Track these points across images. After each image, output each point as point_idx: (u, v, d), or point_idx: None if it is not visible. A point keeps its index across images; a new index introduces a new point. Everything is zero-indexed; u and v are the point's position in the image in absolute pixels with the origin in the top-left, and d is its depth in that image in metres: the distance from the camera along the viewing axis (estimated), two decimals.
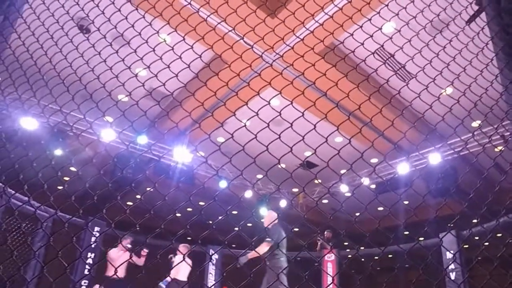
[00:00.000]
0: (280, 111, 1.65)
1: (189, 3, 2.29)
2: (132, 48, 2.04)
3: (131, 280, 6.10)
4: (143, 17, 1.93)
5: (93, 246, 7.19)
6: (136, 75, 1.96)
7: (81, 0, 2.25)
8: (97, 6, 1.97)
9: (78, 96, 2.02)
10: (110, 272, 5.93)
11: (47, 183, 1.95)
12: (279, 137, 1.51)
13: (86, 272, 6.62)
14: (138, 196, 1.89)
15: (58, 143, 5.30)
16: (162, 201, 1.71)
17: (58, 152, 5.28)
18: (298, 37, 2.17)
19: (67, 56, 2.11)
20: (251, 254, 4.98)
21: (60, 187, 2.40)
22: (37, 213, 2.16)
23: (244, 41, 1.99)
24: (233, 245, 12.86)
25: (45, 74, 2.10)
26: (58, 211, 1.81)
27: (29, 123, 4.50)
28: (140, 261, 6.32)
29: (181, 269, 6.21)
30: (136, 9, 1.94)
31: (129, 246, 6.07)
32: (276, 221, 5.50)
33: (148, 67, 1.96)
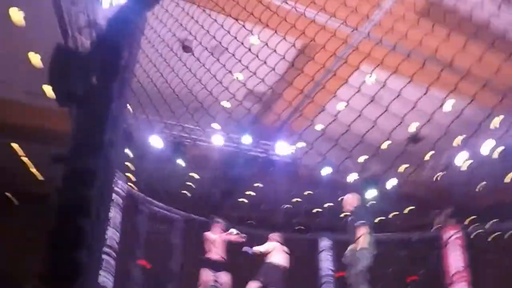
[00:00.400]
0: (381, 87, 1.62)
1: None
2: (230, 52, 2.22)
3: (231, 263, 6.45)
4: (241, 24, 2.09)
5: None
6: (236, 79, 2.14)
7: (178, 24, 2.53)
8: (190, 33, 2.19)
9: (191, 109, 2.29)
10: (213, 255, 6.19)
11: (176, 189, 2.25)
12: (386, 110, 1.50)
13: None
14: (250, 193, 2.07)
15: (179, 154, 6.02)
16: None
17: (180, 162, 6.01)
18: None
19: (173, 76, 2.39)
20: (354, 247, 4.64)
21: (185, 191, 2.74)
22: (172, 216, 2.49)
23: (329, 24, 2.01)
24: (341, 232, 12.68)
25: (161, 94, 2.42)
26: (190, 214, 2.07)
27: (156, 141, 5.28)
28: (240, 239, 6.42)
29: (275, 255, 6.25)
30: (221, 26, 2.11)
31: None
32: (359, 202, 5.14)
33: (246, 67, 2.11)
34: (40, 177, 9.41)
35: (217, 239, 6.25)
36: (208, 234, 6.24)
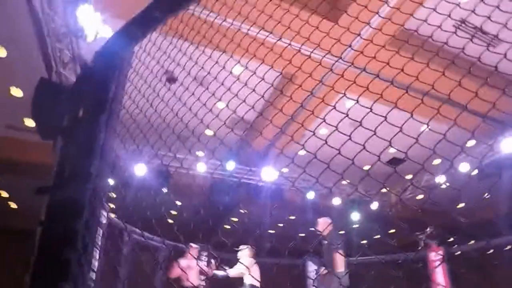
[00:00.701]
0: (362, 118, 1.70)
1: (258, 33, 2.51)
2: (210, 92, 2.30)
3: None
4: (217, 62, 2.19)
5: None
6: (217, 116, 2.21)
7: (165, 57, 2.61)
8: (178, 64, 2.28)
9: (172, 139, 2.34)
10: (186, 282, 5.82)
11: (162, 218, 2.25)
12: (364, 147, 1.58)
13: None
14: (234, 219, 2.10)
15: (163, 182, 6.01)
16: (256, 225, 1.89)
17: (164, 190, 6.01)
18: (361, 36, 2.23)
19: (159, 107, 2.45)
20: (328, 272, 4.66)
21: (170, 221, 2.75)
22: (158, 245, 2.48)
23: (310, 58, 2.12)
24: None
25: (145, 126, 2.47)
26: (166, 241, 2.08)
27: (140, 169, 5.27)
28: (209, 271, 6.23)
29: (253, 273, 5.61)
30: (209, 57, 2.21)
31: (203, 257, 6.22)
32: (331, 227, 5.16)
33: (227, 105, 2.20)
34: (16, 210, 9.15)
35: (190, 265, 5.98)
36: (181, 261, 5.98)
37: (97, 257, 4.51)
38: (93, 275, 4.40)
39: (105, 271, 4.55)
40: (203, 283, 6.05)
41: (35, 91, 2.23)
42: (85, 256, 1.67)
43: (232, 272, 5.73)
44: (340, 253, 4.66)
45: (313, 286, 7.87)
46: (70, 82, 2.43)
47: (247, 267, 5.50)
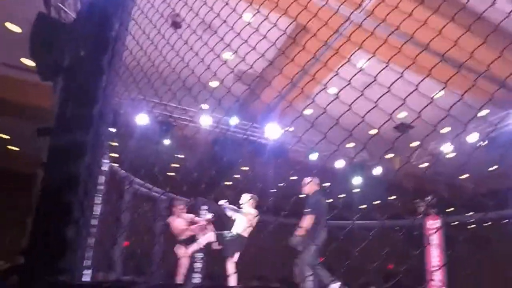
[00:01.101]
0: (375, 76, 1.58)
1: None
2: (219, 36, 2.14)
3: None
4: (227, 3, 2.02)
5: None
6: (225, 63, 2.07)
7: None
8: (186, 3, 2.11)
9: (176, 88, 2.22)
10: (183, 236, 5.63)
11: (161, 169, 2.18)
12: (376, 104, 1.47)
13: None
14: (237, 176, 2.03)
15: (165, 134, 5.93)
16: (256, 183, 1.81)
17: (166, 142, 5.94)
18: None
19: (164, 52, 2.30)
20: (299, 232, 4.65)
21: (171, 173, 2.70)
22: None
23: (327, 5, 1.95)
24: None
25: (147, 72, 2.34)
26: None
27: (142, 119, 5.16)
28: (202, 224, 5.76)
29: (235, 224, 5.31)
30: None
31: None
32: (318, 189, 5.03)
33: (235, 52, 2.05)
34: (17, 153, 9.21)
35: (183, 219, 5.74)
36: (172, 220, 5.73)
37: (99, 203, 4.55)
38: (95, 221, 4.48)
39: (106, 218, 4.62)
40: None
41: (33, 27, 2.07)
42: (86, 200, 1.62)
43: (239, 213, 5.30)
44: (309, 217, 4.62)
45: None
46: (70, 19, 2.26)
47: (251, 215, 5.22)
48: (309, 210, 4.64)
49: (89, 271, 3.48)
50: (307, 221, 4.60)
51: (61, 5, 2.15)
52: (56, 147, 1.62)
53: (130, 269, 5.86)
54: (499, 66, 1.45)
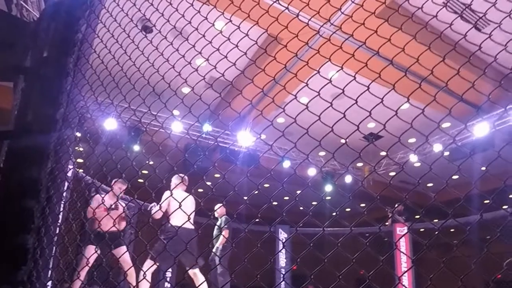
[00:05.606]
0: (343, 88, 1.62)
1: None
2: (191, 44, 2.12)
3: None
4: (199, 12, 2.00)
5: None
6: (196, 69, 2.05)
7: (141, 2, 2.39)
8: (157, 9, 2.08)
9: (146, 93, 2.17)
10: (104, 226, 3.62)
11: (129, 178, 2.11)
12: (344, 115, 1.50)
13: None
14: (208, 183, 2.01)
15: (134, 139, 5.79)
16: (232, 191, 1.80)
17: (136, 147, 5.80)
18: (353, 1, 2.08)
19: (134, 57, 2.26)
20: (221, 241, 6.02)
21: (140, 180, 2.63)
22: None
23: (298, 18, 1.98)
24: (300, 225, 12.98)
25: (116, 76, 2.28)
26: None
27: (109, 124, 4.99)
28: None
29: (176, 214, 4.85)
30: (191, 5, 2.02)
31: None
32: (224, 211, 6.48)
33: (207, 59, 2.04)
34: None
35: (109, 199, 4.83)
36: (95, 200, 4.65)
37: (62, 210, 4.28)
38: (57, 228, 4.24)
39: (70, 225, 4.42)
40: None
41: None
42: (49, 207, 1.53)
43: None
44: (223, 234, 6.16)
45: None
46: (32, 18, 2.18)
47: (225, 230, 6.40)
48: (225, 227, 6.22)
49: (52, 283, 3.31)
50: (227, 233, 6.39)
51: (23, 3, 2.06)
52: (15, 151, 1.54)
53: (96, 279, 5.62)
54: (458, 82, 1.52)
